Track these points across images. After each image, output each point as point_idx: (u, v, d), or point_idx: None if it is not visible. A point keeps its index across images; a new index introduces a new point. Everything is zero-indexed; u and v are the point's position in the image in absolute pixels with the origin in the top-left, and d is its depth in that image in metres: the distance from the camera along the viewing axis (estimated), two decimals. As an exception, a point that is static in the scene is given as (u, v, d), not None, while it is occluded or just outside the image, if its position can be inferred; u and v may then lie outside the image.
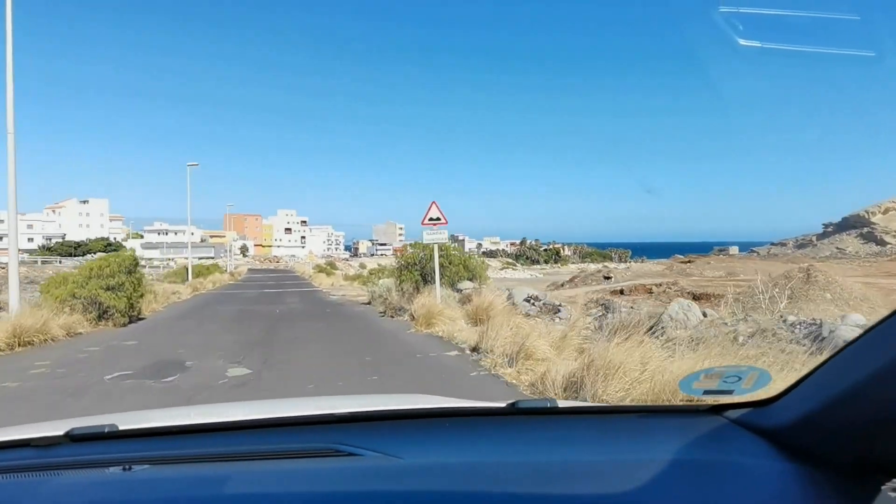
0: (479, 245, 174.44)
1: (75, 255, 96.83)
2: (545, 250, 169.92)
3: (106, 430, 1.36)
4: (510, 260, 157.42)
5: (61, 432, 1.34)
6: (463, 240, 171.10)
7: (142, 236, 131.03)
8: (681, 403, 1.79)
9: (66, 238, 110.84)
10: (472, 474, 1.20)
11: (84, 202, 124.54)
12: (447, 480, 1.17)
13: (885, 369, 0.95)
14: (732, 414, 1.39)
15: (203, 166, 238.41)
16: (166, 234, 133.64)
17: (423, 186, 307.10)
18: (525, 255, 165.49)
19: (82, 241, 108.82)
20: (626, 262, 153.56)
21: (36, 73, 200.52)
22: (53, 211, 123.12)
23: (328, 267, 71.55)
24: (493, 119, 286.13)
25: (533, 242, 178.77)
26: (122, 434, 1.38)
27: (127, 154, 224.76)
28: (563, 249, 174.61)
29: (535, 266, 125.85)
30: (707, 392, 1.42)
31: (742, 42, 1.60)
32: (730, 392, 1.39)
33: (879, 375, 0.96)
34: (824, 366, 1.14)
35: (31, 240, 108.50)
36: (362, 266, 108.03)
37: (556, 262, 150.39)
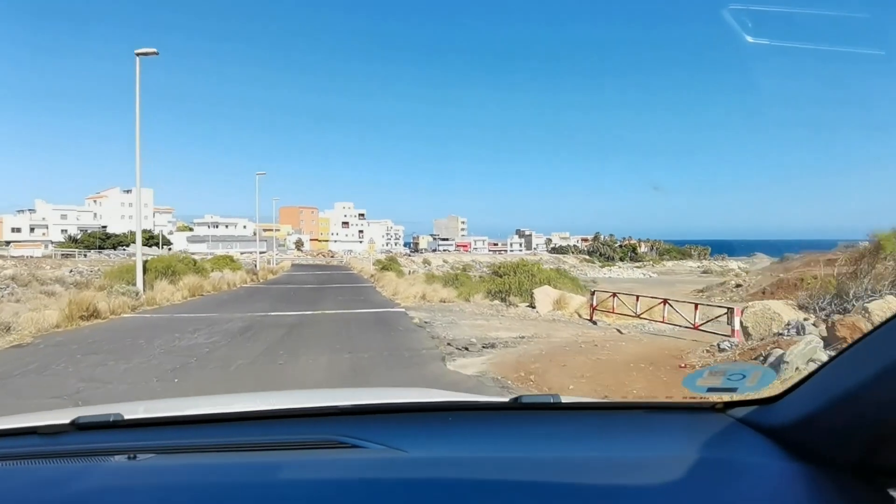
0: (549, 241, 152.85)
1: (102, 248, 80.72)
2: (620, 246, 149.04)
3: (111, 420, 1.31)
4: (587, 257, 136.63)
5: (67, 420, 1.29)
6: (530, 235, 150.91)
7: (191, 229, 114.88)
8: (685, 400, 1.57)
9: (108, 230, 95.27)
10: (476, 468, 1.14)
11: (127, 192, 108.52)
12: (451, 473, 1.12)
13: (889, 370, 0.91)
14: (737, 412, 1.32)
15: (258, 160, 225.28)
16: (216, 227, 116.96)
17: (485, 180, 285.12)
18: (598, 251, 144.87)
19: (116, 234, 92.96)
20: (705, 259, 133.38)
21: (100, 70, 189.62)
22: (95, 201, 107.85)
23: (391, 263, 51.47)
24: (555, 116, 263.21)
25: (606, 238, 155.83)
26: (127, 423, 1.33)
27: (181, 149, 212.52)
28: (640, 245, 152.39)
29: (613, 264, 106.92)
30: (711, 389, 1.35)
31: (751, 39, 1.56)
32: (734, 390, 1.32)
33: (884, 376, 0.92)
34: (829, 364, 1.09)
35: (64, 231, 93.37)
36: (426, 262, 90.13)
37: (632, 260, 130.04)
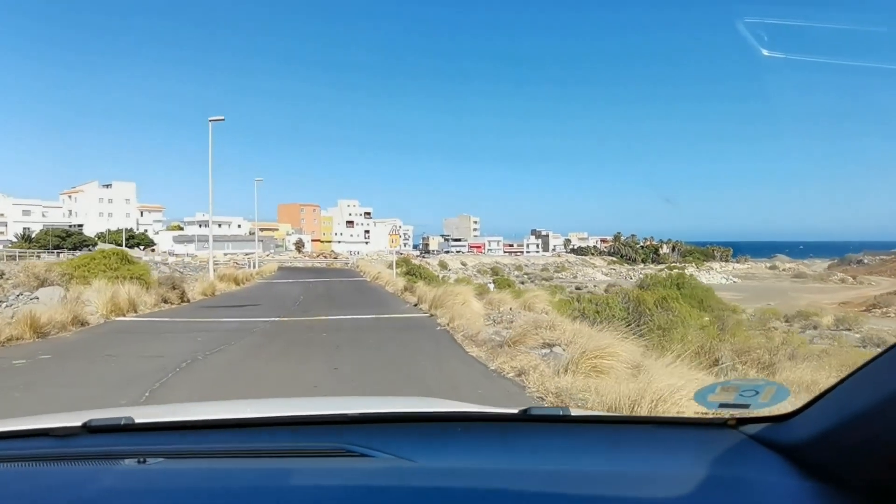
0: (568, 241, 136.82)
1: (61, 248, 64.61)
2: (642, 247, 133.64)
3: (122, 423, 1.29)
4: (614, 259, 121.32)
5: (79, 423, 1.28)
6: (547, 235, 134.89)
7: (182, 228, 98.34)
8: (696, 416, 1.53)
9: (83, 229, 79.25)
10: (484, 479, 1.10)
11: (106, 186, 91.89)
12: (459, 484, 1.09)
13: None
14: (749, 428, 1.27)
15: (258, 157, 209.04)
16: (208, 225, 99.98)
17: (498, 178, 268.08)
18: (620, 252, 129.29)
19: (81, 232, 76.92)
20: (728, 260, 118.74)
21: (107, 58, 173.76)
22: (70, 197, 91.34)
23: (416, 266, 35.51)
24: (571, 123, 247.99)
25: (628, 239, 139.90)
26: (138, 427, 1.31)
27: (178, 146, 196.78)
28: (661, 247, 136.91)
29: (633, 265, 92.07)
30: (723, 405, 1.28)
31: (766, 53, 1.51)
32: (746, 406, 1.25)
33: None
34: (844, 382, 1.05)
35: (26, 229, 77.19)
36: (443, 266, 74.92)
37: (653, 262, 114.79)
